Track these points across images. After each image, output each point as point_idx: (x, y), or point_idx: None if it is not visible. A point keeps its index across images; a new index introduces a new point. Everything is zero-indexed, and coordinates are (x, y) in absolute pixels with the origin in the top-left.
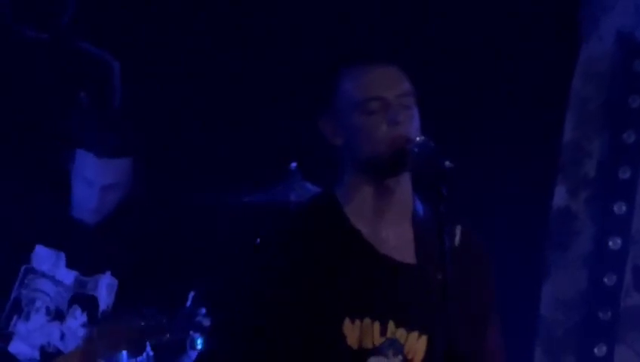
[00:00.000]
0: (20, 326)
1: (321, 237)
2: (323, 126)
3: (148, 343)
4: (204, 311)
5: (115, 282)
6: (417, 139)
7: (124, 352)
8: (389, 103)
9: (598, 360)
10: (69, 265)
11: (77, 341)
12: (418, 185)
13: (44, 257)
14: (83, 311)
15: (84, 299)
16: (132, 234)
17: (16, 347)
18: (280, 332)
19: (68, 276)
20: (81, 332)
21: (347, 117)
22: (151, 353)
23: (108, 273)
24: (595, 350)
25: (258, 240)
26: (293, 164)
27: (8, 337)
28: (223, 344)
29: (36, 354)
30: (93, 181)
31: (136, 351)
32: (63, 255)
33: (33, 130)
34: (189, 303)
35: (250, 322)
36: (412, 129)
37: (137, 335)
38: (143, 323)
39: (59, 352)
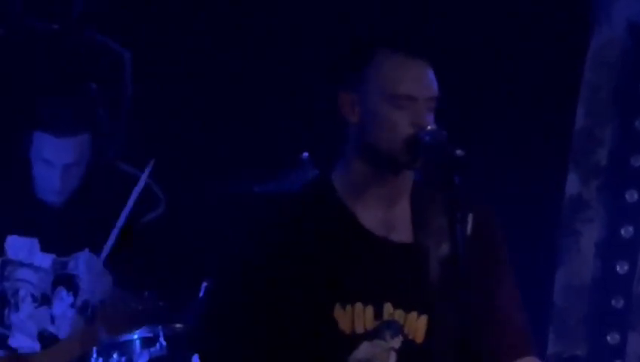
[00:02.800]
0: (13, 318)
1: (312, 222)
2: (342, 98)
3: (161, 333)
4: None
5: (94, 257)
6: (429, 127)
7: (138, 343)
8: (418, 104)
9: (611, 347)
10: (44, 249)
11: (68, 322)
12: (429, 174)
13: (17, 246)
14: (68, 291)
15: (66, 280)
16: (102, 207)
17: (15, 340)
18: (273, 317)
19: (45, 260)
20: (71, 312)
21: (372, 101)
22: (164, 343)
23: (86, 250)
24: (608, 338)
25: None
26: (305, 154)
27: (5, 333)
28: (216, 328)
29: (36, 344)
30: (54, 161)
31: (149, 342)
32: (36, 241)
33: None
34: (201, 294)
35: (242, 308)
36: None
37: (136, 318)
38: (140, 307)
39: (53, 338)
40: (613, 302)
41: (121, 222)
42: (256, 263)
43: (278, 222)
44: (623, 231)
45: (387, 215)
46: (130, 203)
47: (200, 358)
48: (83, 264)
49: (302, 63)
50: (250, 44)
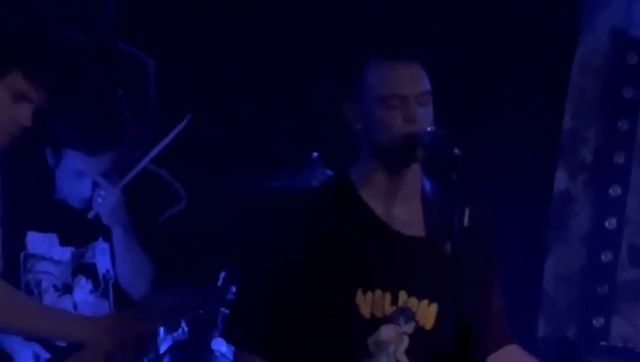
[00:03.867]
0: None
1: (336, 216)
2: (345, 109)
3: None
4: (233, 289)
5: (107, 246)
6: (429, 128)
7: (162, 329)
8: (408, 101)
9: (597, 330)
10: (63, 243)
11: (88, 307)
12: (430, 171)
13: (38, 242)
14: (87, 279)
15: (85, 269)
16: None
17: None
18: (301, 302)
19: (64, 253)
20: (91, 298)
21: (368, 106)
22: (185, 328)
23: (100, 239)
24: (594, 321)
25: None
26: (315, 154)
27: None
28: (250, 310)
29: None
30: (86, 173)
31: (172, 327)
32: (54, 236)
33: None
34: (220, 282)
35: (275, 294)
36: (426, 125)
37: (173, 313)
38: (178, 301)
39: None
40: (598, 289)
41: (154, 153)
42: (287, 253)
43: (306, 217)
44: (607, 223)
45: (402, 211)
46: (167, 140)
47: (234, 340)
48: (99, 252)
49: (313, 76)
50: (275, 41)
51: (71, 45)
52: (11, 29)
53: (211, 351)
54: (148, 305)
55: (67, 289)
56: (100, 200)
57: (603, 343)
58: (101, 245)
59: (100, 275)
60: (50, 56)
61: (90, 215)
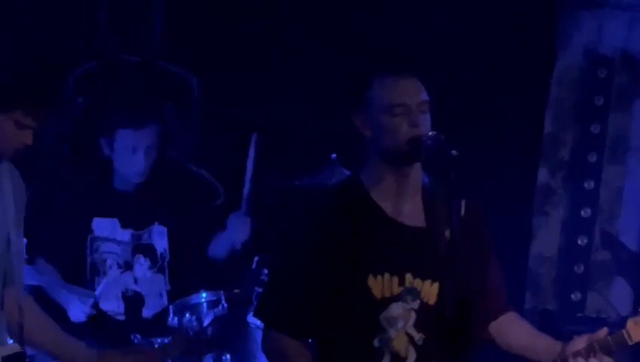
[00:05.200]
0: (102, 284)
1: (349, 210)
2: (355, 120)
3: (223, 297)
4: (265, 271)
5: (164, 229)
6: (429, 133)
7: (205, 305)
8: (411, 109)
9: (575, 304)
10: (123, 226)
11: (147, 281)
12: (430, 169)
13: (102, 226)
14: (145, 257)
15: (143, 248)
16: (168, 193)
17: (105, 303)
18: (319, 285)
19: (125, 235)
20: (149, 274)
21: (376, 116)
22: (225, 305)
23: (156, 223)
24: (572, 296)
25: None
26: (334, 155)
27: (97, 298)
28: (277, 293)
29: (121, 305)
30: (137, 146)
31: (214, 303)
32: (116, 220)
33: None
34: (254, 266)
35: (299, 277)
36: (427, 129)
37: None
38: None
39: (137, 295)
40: (575, 268)
41: (248, 178)
42: (308, 242)
43: (325, 212)
44: (582, 212)
45: (405, 206)
46: (250, 168)
47: (263, 318)
48: (156, 234)
49: (331, 91)
50: (291, 74)
51: (125, 66)
52: (14, 77)
53: (247, 324)
54: (135, 354)
55: (128, 266)
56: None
57: (580, 314)
58: (158, 228)
59: (158, 254)
60: (42, 96)
61: (237, 239)
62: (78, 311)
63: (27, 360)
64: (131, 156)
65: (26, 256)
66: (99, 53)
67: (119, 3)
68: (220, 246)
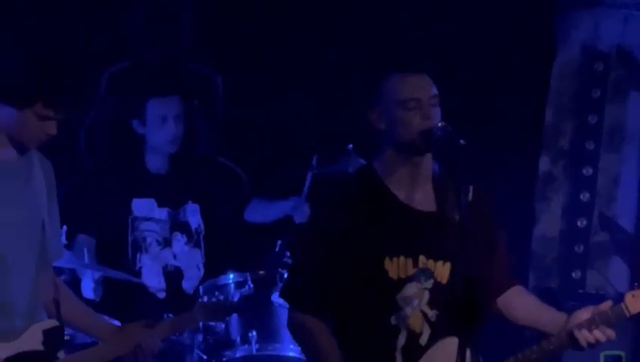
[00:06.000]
0: (144, 260)
1: (365, 198)
2: (370, 114)
3: (249, 278)
4: (288, 254)
5: (197, 206)
6: (439, 124)
7: (232, 285)
8: (422, 103)
9: (575, 281)
10: (160, 205)
11: (185, 255)
12: (440, 158)
13: (141, 206)
14: (182, 234)
15: (180, 226)
16: (199, 178)
17: (146, 278)
18: (339, 268)
19: (162, 214)
20: (187, 248)
21: (390, 110)
22: (251, 285)
23: (189, 202)
24: (573, 274)
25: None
26: (350, 146)
27: (139, 273)
28: (300, 275)
29: (162, 279)
30: (167, 114)
31: (241, 283)
32: (153, 201)
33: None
34: (277, 249)
35: (321, 260)
36: (437, 122)
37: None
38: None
39: (177, 270)
40: (575, 248)
41: (310, 176)
42: (330, 226)
43: (342, 198)
44: (581, 197)
45: (417, 193)
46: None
47: (290, 296)
48: (190, 212)
49: (349, 88)
50: (313, 73)
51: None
52: (36, 72)
53: (271, 303)
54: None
55: (167, 243)
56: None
57: (580, 291)
58: (191, 206)
59: (193, 230)
60: (62, 89)
61: (297, 221)
62: (88, 287)
63: (65, 335)
64: (162, 126)
65: (65, 241)
66: (131, 52)
67: (150, 6)
68: (261, 214)
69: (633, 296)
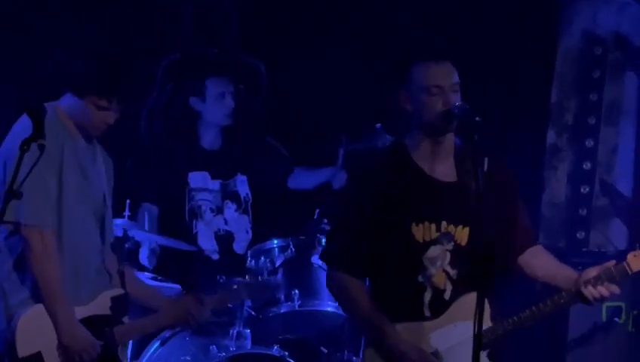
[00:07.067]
0: (199, 226)
1: (394, 169)
2: (399, 97)
3: (291, 243)
4: (325, 221)
5: (244, 178)
6: (457, 103)
7: (276, 249)
8: (444, 90)
9: (580, 241)
10: (213, 178)
11: (235, 222)
12: (459, 134)
13: (196, 179)
14: (232, 202)
15: (230, 195)
16: (247, 155)
17: (202, 242)
18: (372, 232)
19: (215, 184)
20: (236, 215)
21: (416, 94)
22: (293, 249)
23: (238, 174)
24: (577, 235)
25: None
26: (378, 125)
27: (195, 237)
28: (338, 238)
29: (215, 243)
30: (225, 91)
31: (283, 248)
32: (207, 173)
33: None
34: (316, 216)
35: (356, 224)
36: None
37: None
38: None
39: (228, 233)
40: (579, 211)
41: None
42: (364, 195)
43: (375, 171)
44: (584, 166)
45: (440, 166)
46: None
47: (329, 258)
48: (239, 183)
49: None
50: (354, 46)
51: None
52: (97, 67)
53: (311, 264)
54: (210, 297)
55: (219, 210)
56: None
57: (584, 249)
58: (240, 178)
59: (242, 199)
60: (115, 82)
61: (335, 186)
62: (144, 255)
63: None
64: (221, 101)
65: (128, 213)
66: (182, 45)
67: (201, 2)
68: (304, 181)
69: (635, 255)
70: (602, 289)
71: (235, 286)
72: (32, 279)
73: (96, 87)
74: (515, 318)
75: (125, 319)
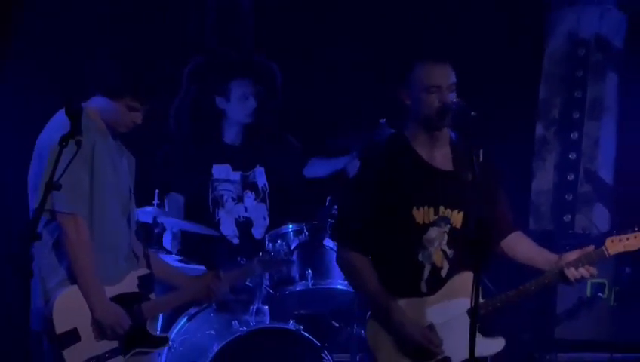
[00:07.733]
0: (221, 214)
1: (396, 157)
2: (400, 93)
3: (305, 227)
4: (335, 207)
5: (262, 170)
6: (454, 99)
7: (291, 233)
8: (442, 89)
9: (566, 224)
10: (234, 170)
11: (254, 209)
12: (456, 126)
13: (219, 170)
14: (251, 191)
15: (250, 185)
16: (267, 149)
17: (224, 228)
18: (377, 215)
19: (236, 176)
20: (255, 203)
21: (416, 92)
22: (307, 233)
23: (257, 165)
24: (564, 218)
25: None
26: (382, 120)
27: (218, 223)
28: (347, 220)
29: (235, 228)
30: (247, 92)
31: (298, 231)
32: (228, 166)
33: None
34: (327, 203)
35: (361, 209)
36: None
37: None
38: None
39: (247, 220)
40: (566, 197)
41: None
42: (369, 181)
43: (379, 159)
44: (570, 156)
45: (437, 155)
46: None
47: (337, 238)
48: (258, 175)
49: (385, 73)
50: (355, 61)
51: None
52: (126, 70)
53: (324, 246)
54: (226, 277)
55: (240, 199)
56: (351, 166)
57: (570, 231)
58: (259, 170)
59: (260, 188)
60: (148, 84)
61: (350, 173)
62: (167, 239)
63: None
64: (245, 101)
65: (157, 201)
66: (206, 50)
67: (222, 10)
68: (319, 169)
69: (612, 241)
70: (583, 271)
71: (249, 262)
72: (67, 262)
73: (132, 90)
74: (504, 295)
75: (152, 296)
